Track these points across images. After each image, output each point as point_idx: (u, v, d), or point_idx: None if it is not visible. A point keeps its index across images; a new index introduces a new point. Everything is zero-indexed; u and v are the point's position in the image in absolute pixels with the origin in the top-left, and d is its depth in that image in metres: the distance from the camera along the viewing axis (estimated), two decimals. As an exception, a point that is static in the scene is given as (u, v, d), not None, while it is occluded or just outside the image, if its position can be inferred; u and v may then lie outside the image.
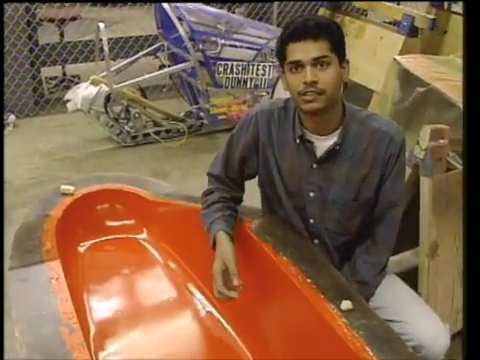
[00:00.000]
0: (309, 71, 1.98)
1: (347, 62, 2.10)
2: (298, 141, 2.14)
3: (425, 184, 2.52)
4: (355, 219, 2.22)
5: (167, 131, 5.21)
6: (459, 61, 3.10)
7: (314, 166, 2.15)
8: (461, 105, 2.57)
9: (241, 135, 2.26)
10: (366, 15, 6.70)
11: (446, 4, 6.48)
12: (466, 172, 1.74)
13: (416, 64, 2.92)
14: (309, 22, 1.99)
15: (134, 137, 5.09)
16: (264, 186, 2.33)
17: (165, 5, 4.96)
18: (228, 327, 2.30)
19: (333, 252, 2.26)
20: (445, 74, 2.87)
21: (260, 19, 6.55)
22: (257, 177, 2.35)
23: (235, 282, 2.07)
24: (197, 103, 5.26)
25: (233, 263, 2.10)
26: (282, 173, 2.22)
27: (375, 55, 5.42)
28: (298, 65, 1.99)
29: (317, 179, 2.16)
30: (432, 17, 5.34)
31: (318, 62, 1.98)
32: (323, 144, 2.12)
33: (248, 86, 5.05)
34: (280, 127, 2.19)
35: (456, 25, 6.27)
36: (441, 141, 2.49)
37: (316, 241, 2.25)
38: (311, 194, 2.19)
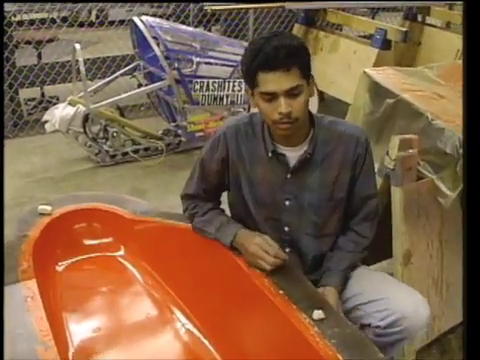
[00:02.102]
0: (284, 103, 2.00)
1: (312, 77, 2.11)
2: (271, 155, 2.20)
3: (396, 194, 2.56)
4: (332, 219, 2.30)
5: (145, 149, 5.23)
6: (428, 72, 3.16)
7: (288, 176, 2.22)
8: (429, 115, 2.63)
9: (213, 156, 2.29)
10: (341, 30, 6.79)
11: (420, 17, 6.60)
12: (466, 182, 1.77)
13: (385, 76, 2.97)
14: (280, 51, 1.96)
15: (113, 156, 5.11)
16: (233, 202, 2.39)
17: (140, 25, 5.00)
18: (205, 341, 2.30)
19: (307, 256, 2.32)
20: (414, 85, 2.92)
21: (236, 36, 6.61)
22: (227, 194, 2.41)
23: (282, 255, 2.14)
24: (175, 121, 5.28)
25: (272, 241, 2.16)
26: (253, 186, 2.27)
27: (350, 69, 5.50)
28: (272, 96, 2.01)
29: (292, 188, 2.23)
30: (404, 30, 5.42)
31: (291, 92, 2.00)
32: (295, 154, 2.19)
33: (225, 103, 5.09)
34: (249, 142, 2.23)
35: (430, 37, 6.38)
36: (410, 151, 2.54)
37: (287, 249, 2.30)
38: (287, 203, 2.25)
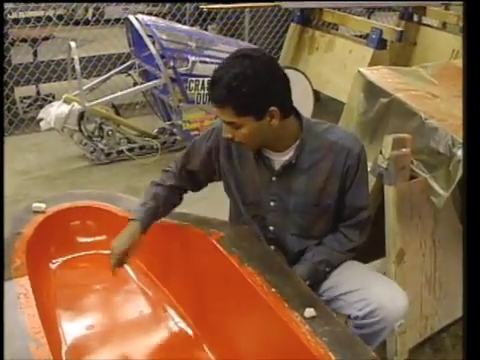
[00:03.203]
0: (224, 128, 2.09)
1: (275, 111, 2.03)
2: (257, 156, 2.21)
3: (389, 193, 2.57)
4: (318, 223, 2.30)
5: (141, 148, 5.23)
6: (422, 71, 3.16)
7: (273, 179, 2.23)
8: (423, 114, 2.63)
9: (203, 143, 2.33)
10: (337, 29, 6.80)
11: (416, 16, 6.61)
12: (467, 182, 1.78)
13: (380, 76, 2.97)
14: (215, 86, 1.98)
15: (108, 154, 5.10)
16: (228, 197, 2.42)
17: (136, 23, 5.00)
18: (198, 339, 2.32)
19: (293, 253, 2.32)
20: (408, 84, 2.93)
21: (232, 35, 6.60)
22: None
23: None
24: (170, 119, 5.28)
25: (122, 255, 2.27)
26: (240, 185, 2.30)
27: (345, 68, 5.51)
28: None
29: (277, 190, 2.24)
30: (399, 29, 5.43)
31: (229, 123, 2.04)
32: (280, 159, 2.20)
33: (220, 101, 5.06)
34: None
35: (425, 37, 6.40)
36: (403, 150, 2.54)
37: (272, 247, 2.31)
38: (272, 203, 2.27)
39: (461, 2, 4.74)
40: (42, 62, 6.08)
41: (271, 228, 2.31)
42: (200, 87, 4.97)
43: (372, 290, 2.14)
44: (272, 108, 2.03)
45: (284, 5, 6.07)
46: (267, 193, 2.25)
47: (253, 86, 1.96)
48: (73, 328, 2.39)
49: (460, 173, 2.44)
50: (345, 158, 2.16)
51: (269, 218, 2.30)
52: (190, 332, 2.38)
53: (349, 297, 2.18)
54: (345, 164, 2.16)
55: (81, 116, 4.91)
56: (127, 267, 2.67)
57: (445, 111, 2.72)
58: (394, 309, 2.11)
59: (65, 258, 2.67)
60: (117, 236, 2.30)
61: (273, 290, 2.01)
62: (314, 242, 2.31)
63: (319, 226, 2.30)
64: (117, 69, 5.66)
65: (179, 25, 5.58)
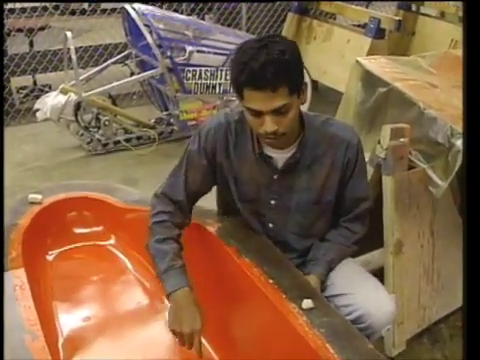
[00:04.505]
0: (269, 121, 1.93)
1: (305, 84, 2.01)
2: (258, 156, 2.16)
3: (387, 183, 2.56)
4: (318, 222, 2.27)
5: (138, 138, 5.22)
6: (420, 61, 3.15)
7: (275, 177, 2.18)
8: (421, 104, 2.62)
9: (201, 147, 2.21)
10: (334, 19, 6.77)
11: (414, 6, 6.58)
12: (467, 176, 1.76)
13: (378, 65, 2.96)
14: (267, 69, 1.83)
15: (105, 145, 5.09)
16: (222, 193, 2.38)
17: (133, 13, 4.97)
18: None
19: (293, 253, 2.29)
20: (406, 74, 2.91)
21: (229, 25, 6.58)
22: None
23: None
24: (167, 109, 5.27)
25: (200, 335, 2.02)
26: (240, 184, 2.24)
27: (343, 58, 5.49)
28: (257, 112, 1.93)
29: (278, 188, 2.20)
30: (398, 19, 5.41)
31: (278, 111, 1.91)
32: (283, 156, 2.15)
33: (217, 91, 5.06)
34: (238, 140, 2.18)
35: (424, 26, 6.37)
36: (402, 140, 2.53)
37: None
38: (272, 202, 2.23)
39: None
40: (38, 52, 6.06)
41: (270, 225, 2.28)
42: (197, 77, 4.95)
43: (359, 296, 2.09)
44: (305, 80, 2.00)
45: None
46: (268, 192, 2.21)
47: (297, 60, 1.93)
48: (70, 320, 2.38)
49: (458, 163, 2.43)
50: (345, 150, 2.14)
51: (269, 216, 2.26)
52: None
53: (338, 300, 2.12)
54: (345, 156, 2.14)
55: (78, 106, 4.90)
56: (124, 258, 2.68)
57: (444, 101, 2.71)
58: (381, 316, 2.07)
59: (61, 249, 2.65)
60: (175, 316, 2.03)
61: (271, 281, 2.00)
62: (313, 241, 2.29)
63: (318, 225, 2.27)
64: (114, 59, 5.65)
65: (176, 14, 5.57)
